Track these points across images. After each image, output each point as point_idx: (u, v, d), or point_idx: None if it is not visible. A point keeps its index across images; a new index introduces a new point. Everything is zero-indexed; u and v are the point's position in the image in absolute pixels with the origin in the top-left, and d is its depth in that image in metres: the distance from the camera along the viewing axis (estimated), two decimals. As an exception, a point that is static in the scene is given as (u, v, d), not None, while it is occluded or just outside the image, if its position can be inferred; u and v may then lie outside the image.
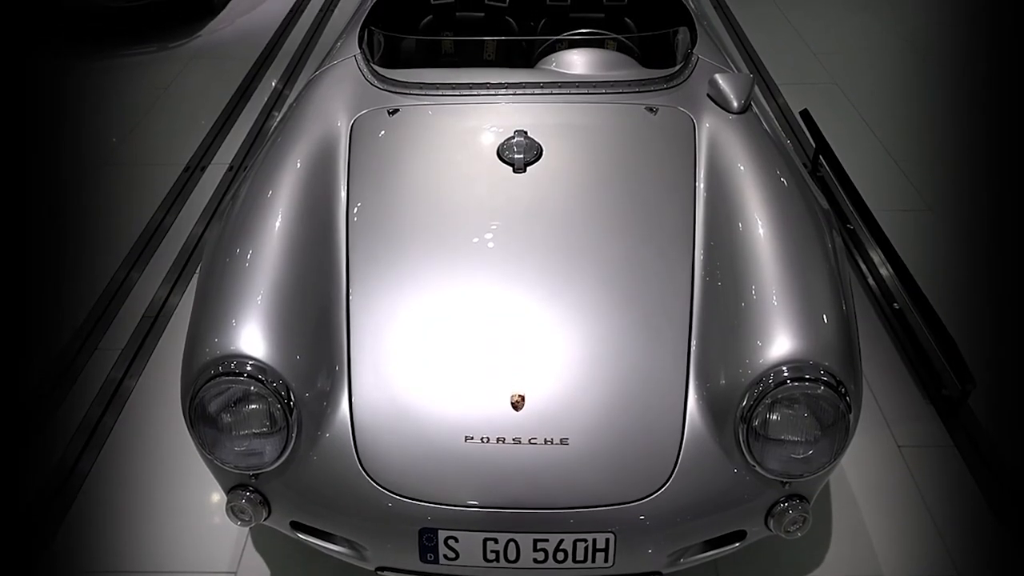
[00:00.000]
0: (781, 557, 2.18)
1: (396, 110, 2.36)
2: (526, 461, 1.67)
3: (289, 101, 3.14)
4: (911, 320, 2.93)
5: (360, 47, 2.66)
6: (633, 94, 2.38)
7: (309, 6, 5.84)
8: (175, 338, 2.93)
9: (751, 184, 2.07)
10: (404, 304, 1.89)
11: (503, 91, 2.39)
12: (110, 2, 5.13)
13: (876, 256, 3.25)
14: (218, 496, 2.33)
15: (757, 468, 1.67)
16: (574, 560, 1.67)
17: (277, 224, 2.00)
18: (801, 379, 1.64)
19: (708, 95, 2.37)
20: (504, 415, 1.70)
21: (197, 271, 2.09)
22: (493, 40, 3.00)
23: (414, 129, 2.32)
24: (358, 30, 2.75)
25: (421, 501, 1.67)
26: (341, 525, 1.75)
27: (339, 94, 2.46)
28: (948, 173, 3.87)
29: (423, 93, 2.41)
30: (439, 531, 1.67)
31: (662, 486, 1.67)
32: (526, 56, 3.01)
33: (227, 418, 1.70)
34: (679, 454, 1.69)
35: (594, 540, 1.66)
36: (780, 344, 1.69)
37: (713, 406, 1.72)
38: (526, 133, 2.22)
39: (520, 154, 2.17)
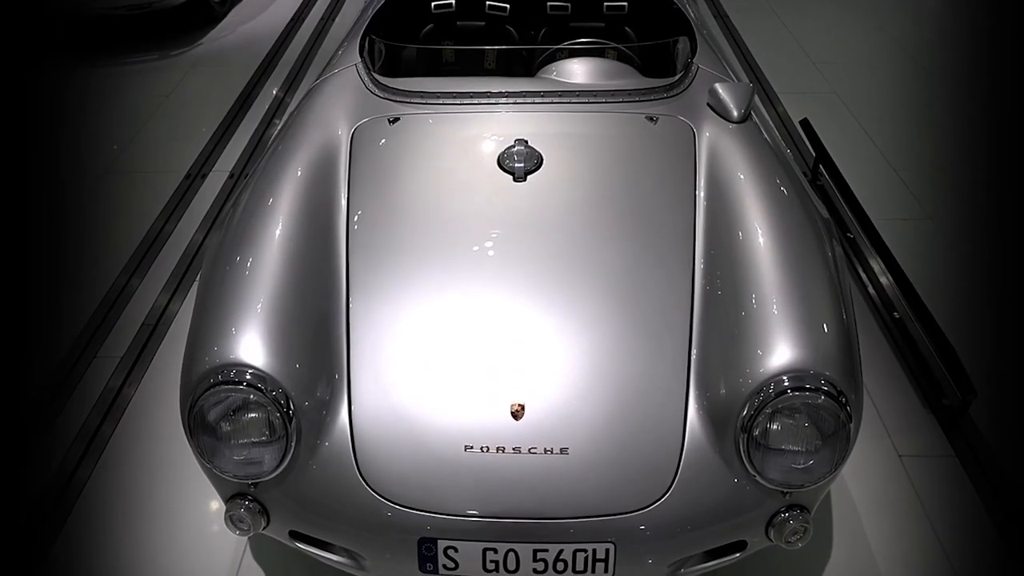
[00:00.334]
0: (782, 568, 2.17)
1: (397, 118, 2.37)
2: (526, 471, 1.66)
3: (290, 109, 3.15)
4: (911, 329, 2.93)
5: (361, 56, 2.67)
6: (633, 103, 2.39)
7: (310, 15, 5.86)
8: (175, 346, 2.92)
9: (751, 193, 2.07)
10: (404, 313, 1.88)
11: (503, 100, 2.40)
12: (111, 10, 5.14)
13: (876, 265, 3.25)
14: (217, 504, 2.32)
15: (758, 478, 1.67)
16: (574, 570, 1.66)
17: (277, 232, 2.00)
18: (802, 389, 1.64)
19: (708, 104, 2.37)
20: (504, 424, 1.70)
21: (197, 279, 2.09)
22: (494, 49, 3.01)
23: (415, 137, 2.33)
24: (359, 39, 2.76)
25: (420, 511, 1.66)
26: (340, 534, 1.75)
27: (340, 102, 2.47)
28: (948, 182, 3.87)
29: (424, 102, 2.41)
30: (438, 541, 1.66)
31: (662, 496, 1.66)
32: (527, 65, 3.02)
33: (226, 427, 1.70)
34: (679, 464, 1.69)
35: (594, 550, 1.65)
36: (780, 353, 1.69)
37: (713, 415, 1.72)
38: (526, 142, 2.23)
39: (520, 163, 2.17)
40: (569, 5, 3.06)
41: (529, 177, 2.15)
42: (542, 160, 2.19)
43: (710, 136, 2.27)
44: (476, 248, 2.00)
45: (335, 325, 1.87)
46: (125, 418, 2.71)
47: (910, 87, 4.82)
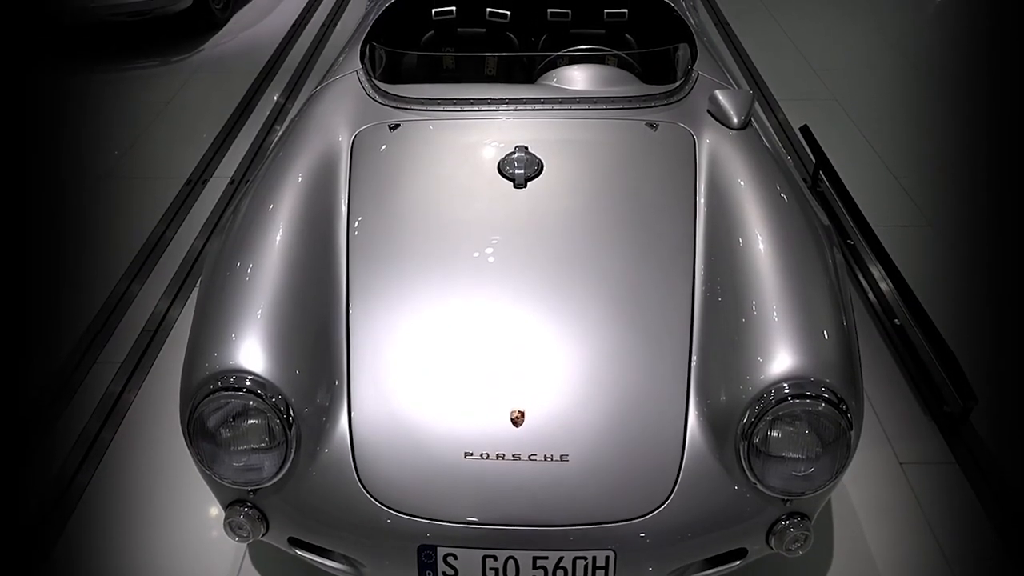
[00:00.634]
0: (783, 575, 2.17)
1: (397, 125, 2.37)
2: (526, 477, 1.66)
3: (291, 116, 3.15)
4: (912, 336, 2.92)
5: (362, 62, 2.67)
6: (633, 110, 2.39)
7: (311, 21, 5.88)
8: (175, 352, 2.92)
9: (751, 200, 2.07)
10: (404, 319, 1.88)
11: (504, 106, 2.40)
12: (113, 16, 5.16)
13: (876, 272, 3.25)
14: (216, 510, 2.31)
15: (758, 485, 1.66)
16: (574, 578, 1.66)
17: (278, 238, 2.00)
18: (802, 396, 1.64)
19: (708, 111, 2.38)
20: (504, 431, 1.70)
21: (197, 285, 2.09)
22: (494, 56, 3.02)
23: (415, 144, 2.33)
24: (360, 45, 2.77)
25: (420, 517, 1.66)
26: (339, 541, 1.74)
27: (340, 109, 2.47)
28: (948, 189, 3.88)
29: (424, 108, 2.42)
30: (438, 548, 1.66)
31: (662, 503, 1.66)
32: (527, 71, 3.02)
33: (226, 433, 1.70)
34: (679, 471, 1.68)
35: (594, 558, 1.65)
36: (781, 360, 1.69)
37: (714, 423, 1.71)
38: (527, 148, 2.23)
39: (521, 169, 2.17)
40: (570, 12, 3.07)
41: (529, 184, 2.15)
42: (542, 167, 2.19)
43: (710, 143, 2.27)
44: (476, 255, 2.00)
45: (335, 331, 1.87)
46: (125, 423, 2.71)
47: (910, 94, 4.83)
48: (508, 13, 3.04)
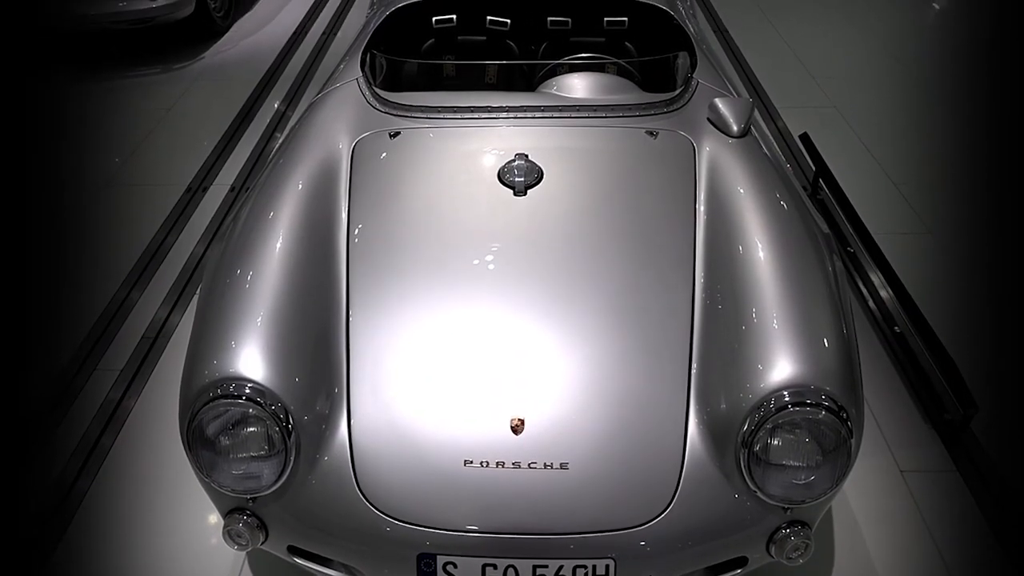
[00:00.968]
0: (783, 583, 2.16)
1: (397, 133, 2.37)
2: (526, 486, 1.66)
3: (291, 123, 3.16)
4: (912, 344, 2.92)
5: (362, 70, 2.68)
6: (633, 118, 2.40)
7: (312, 29, 5.89)
8: (175, 359, 2.91)
9: (751, 208, 2.08)
10: (404, 327, 1.88)
11: (504, 114, 2.41)
12: (115, 24, 5.17)
13: (876, 279, 3.25)
14: (215, 518, 2.31)
15: (758, 493, 1.66)
16: (574, 586, 1.65)
17: (278, 246, 2.00)
18: (802, 404, 1.64)
19: (708, 119, 2.38)
20: (504, 439, 1.69)
21: (197, 292, 2.09)
22: (494, 64, 3.03)
23: (415, 152, 2.33)
24: (360, 53, 2.77)
25: (420, 526, 1.66)
26: (338, 550, 1.74)
27: (341, 116, 2.48)
28: (948, 196, 3.88)
29: (424, 116, 2.42)
30: (437, 556, 1.66)
31: (663, 511, 1.65)
32: (527, 79, 3.03)
33: (225, 441, 1.69)
34: (680, 479, 1.68)
35: (594, 566, 1.64)
36: (781, 368, 1.69)
37: (714, 430, 1.71)
38: (527, 156, 2.23)
39: (521, 177, 2.18)
40: (570, 20, 3.08)
41: (529, 191, 2.16)
42: (542, 174, 2.19)
43: (710, 151, 2.28)
44: (476, 262, 2.01)
45: (335, 339, 1.87)
46: (125, 430, 2.71)
47: (910, 101, 4.84)
48: (508, 21, 3.05)
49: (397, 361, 1.83)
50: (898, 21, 5.97)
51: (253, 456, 1.70)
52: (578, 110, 2.41)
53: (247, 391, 1.68)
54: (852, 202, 3.56)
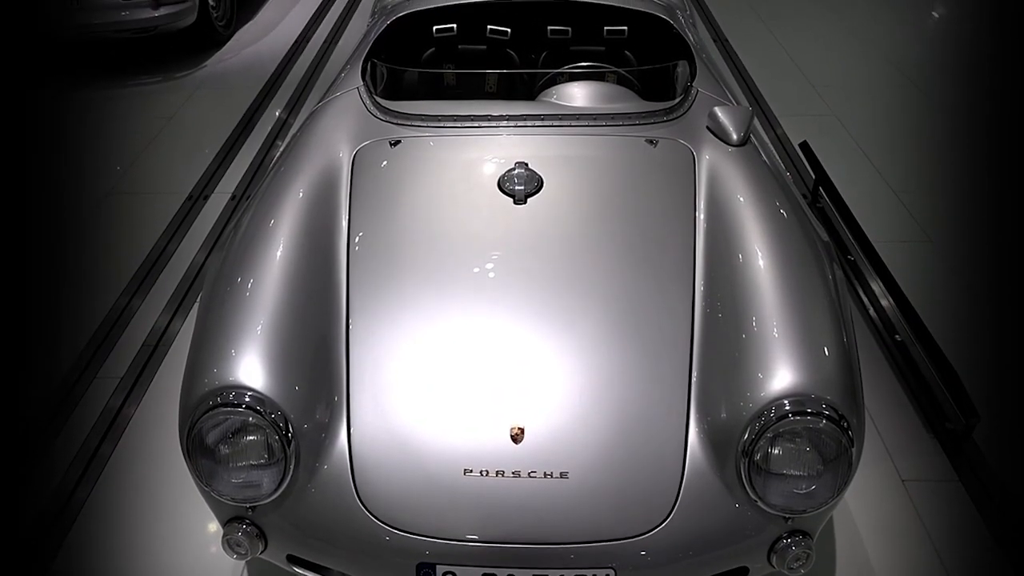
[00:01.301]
0: (784, 593, 2.15)
1: (398, 141, 2.38)
2: (526, 495, 1.65)
3: (292, 131, 3.16)
4: (913, 352, 2.92)
5: (363, 79, 2.69)
6: (633, 126, 2.40)
7: (313, 39, 5.91)
8: (175, 367, 2.92)
9: (751, 216, 2.08)
10: (404, 335, 1.88)
11: (504, 123, 2.41)
12: (117, 33, 5.19)
13: (877, 288, 3.25)
14: (214, 526, 2.30)
15: (759, 503, 1.66)
16: (573, 596, 1.65)
17: (278, 254, 2.00)
18: (803, 413, 1.63)
19: (708, 128, 2.38)
20: (504, 448, 1.69)
21: (198, 300, 2.09)
22: (495, 73, 3.04)
23: (415, 160, 2.34)
24: (361, 62, 2.78)
25: (419, 535, 1.65)
26: (338, 559, 1.73)
27: (342, 125, 2.48)
28: (948, 204, 3.88)
29: (425, 125, 2.43)
30: (437, 566, 1.65)
31: (663, 521, 1.65)
32: (527, 88, 3.04)
33: (225, 449, 1.69)
34: (680, 488, 1.68)
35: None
36: (781, 377, 1.68)
37: (714, 439, 1.71)
38: (527, 165, 2.24)
39: (521, 185, 2.18)
40: (570, 29, 3.09)
41: (529, 200, 2.16)
42: (542, 183, 2.20)
43: (710, 159, 2.28)
44: (476, 270, 2.01)
45: (335, 347, 1.87)
46: (124, 439, 2.70)
47: (910, 110, 4.85)
48: (508, 30, 3.06)
49: (397, 369, 1.83)
50: (898, 30, 5.99)
51: (253, 465, 1.69)
52: (578, 119, 2.42)
53: (247, 399, 1.67)
54: (852, 210, 3.56)
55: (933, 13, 6.46)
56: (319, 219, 2.14)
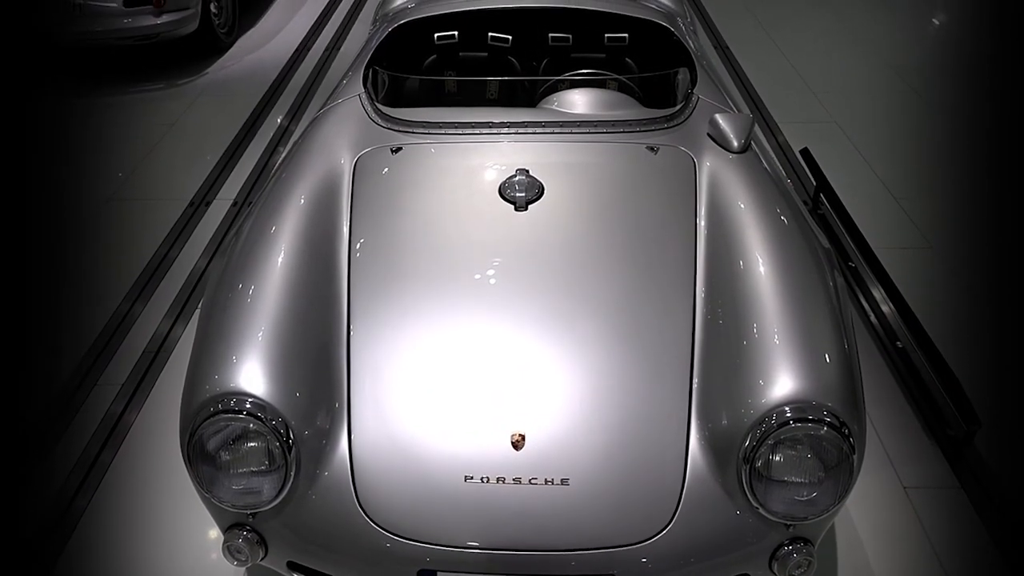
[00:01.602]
0: (786, 601, 2.14)
1: (399, 148, 2.38)
2: (526, 501, 1.65)
3: (294, 138, 3.17)
4: (914, 359, 2.91)
5: (364, 86, 2.70)
6: (634, 133, 2.41)
7: (315, 46, 5.93)
8: (176, 373, 2.92)
9: (752, 223, 2.08)
10: (405, 342, 1.88)
11: (505, 130, 2.42)
12: (121, 40, 5.21)
13: (878, 294, 3.25)
14: (215, 533, 2.30)
15: (760, 510, 1.65)
16: (574, 603, 1.64)
17: (279, 260, 2.00)
18: (804, 420, 1.63)
19: (708, 134, 2.39)
20: (504, 454, 1.69)
21: (199, 306, 2.09)
22: (496, 80, 3.04)
23: (417, 167, 2.34)
24: (363, 69, 2.79)
25: (420, 542, 1.65)
26: (338, 565, 1.73)
27: (343, 132, 2.49)
28: (948, 211, 3.88)
29: (426, 132, 2.43)
30: (438, 573, 1.65)
31: (664, 528, 1.65)
32: (528, 95, 3.05)
33: (225, 456, 1.69)
34: (681, 495, 1.67)
35: (595, 583, 1.63)
36: (782, 384, 1.68)
37: (715, 446, 1.71)
38: (528, 171, 2.24)
39: (522, 192, 2.18)
40: (570, 37, 3.10)
41: (530, 206, 2.16)
42: (543, 190, 2.20)
43: (711, 166, 2.28)
44: (477, 277, 2.01)
45: (336, 354, 1.87)
46: (125, 446, 2.70)
47: (910, 116, 4.86)
48: (510, 38, 3.07)
49: (398, 376, 1.83)
50: (898, 36, 6.00)
51: (253, 471, 1.69)
52: (579, 126, 2.42)
53: (248, 406, 1.67)
54: (853, 217, 3.56)
55: (934, 20, 6.47)
56: (320, 226, 2.14)
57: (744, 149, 2.33)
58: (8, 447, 2.74)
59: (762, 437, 1.63)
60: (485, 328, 1.90)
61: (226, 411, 1.67)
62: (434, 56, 3.18)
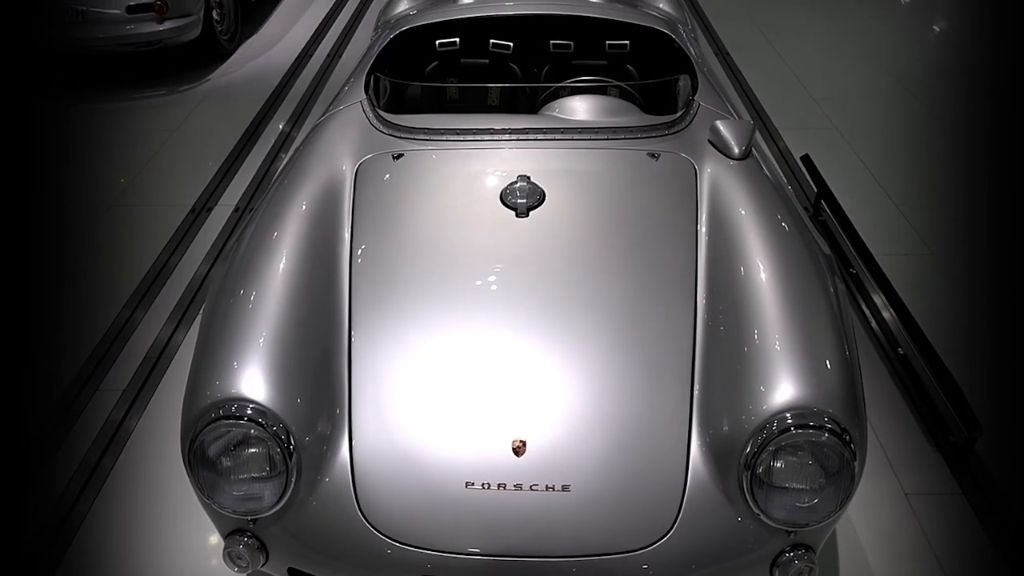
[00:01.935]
0: (787, 608, 2.13)
1: (401, 154, 2.39)
2: (527, 508, 1.65)
3: (295, 144, 3.18)
4: (916, 365, 2.91)
5: (366, 92, 2.70)
6: (635, 140, 2.41)
7: (317, 52, 5.95)
8: (177, 379, 2.92)
9: (752, 229, 2.08)
10: (406, 348, 1.88)
11: (506, 136, 2.42)
12: (123, 47, 5.23)
13: (879, 300, 3.25)
14: (216, 539, 2.30)
15: (762, 517, 1.65)
16: (576, 610, 1.64)
17: (281, 266, 2.01)
18: (805, 426, 1.63)
19: (709, 141, 2.39)
20: (505, 461, 1.69)
21: (200, 312, 2.10)
22: (497, 86, 3.05)
23: (418, 173, 2.35)
24: (364, 76, 2.80)
25: (421, 548, 1.65)
26: (339, 572, 1.73)
27: (345, 138, 2.50)
28: (950, 217, 3.89)
29: (427, 138, 2.44)
30: (439, 579, 1.65)
31: (665, 535, 1.64)
32: (530, 101, 3.06)
33: (226, 462, 1.69)
34: (682, 502, 1.67)
35: (596, 589, 1.63)
36: (783, 390, 1.68)
37: (716, 453, 1.71)
38: (529, 178, 2.24)
39: (523, 199, 2.19)
40: (572, 43, 3.11)
41: (531, 213, 2.17)
42: (544, 196, 2.20)
43: (711, 173, 2.29)
44: (479, 283, 2.01)
45: (337, 360, 1.87)
46: (126, 451, 2.70)
47: (911, 123, 4.86)
48: (511, 44, 3.08)
49: (399, 382, 1.83)
50: (899, 42, 6.01)
51: (254, 477, 1.69)
52: (580, 132, 2.43)
53: (249, 412, 1.68)
54: (854, 223, 3.56)
55: (934, 27, 6.49)
56: (322, 232, 2.15)
57: (745, 156, 2.34)
58: (9, 452, 2.74)
59: (763, 443, 1.63)
60: (486, 334, 1.90)
61: (227, 417, 1.67)
62: (435, 63, 3.19)
